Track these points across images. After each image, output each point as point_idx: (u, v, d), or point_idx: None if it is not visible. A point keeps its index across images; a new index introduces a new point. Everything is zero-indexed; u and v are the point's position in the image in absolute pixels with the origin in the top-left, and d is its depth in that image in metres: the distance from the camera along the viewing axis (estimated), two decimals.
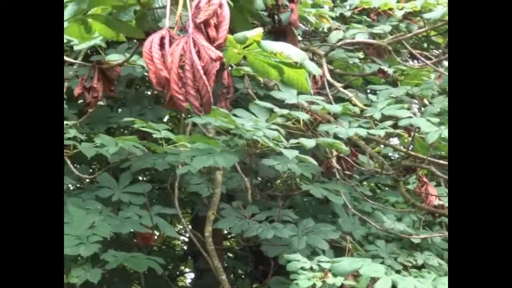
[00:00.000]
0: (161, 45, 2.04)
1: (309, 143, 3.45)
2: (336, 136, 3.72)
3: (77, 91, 3.08)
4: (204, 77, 1.97)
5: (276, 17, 3.14)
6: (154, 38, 2.04)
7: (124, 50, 4.70)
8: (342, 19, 4.71)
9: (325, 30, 4.50)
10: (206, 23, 2.04)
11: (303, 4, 3.23)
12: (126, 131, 5.97)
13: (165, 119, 6.06)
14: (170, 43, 2.04)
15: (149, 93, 6.13)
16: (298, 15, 3.08)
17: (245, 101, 5.33)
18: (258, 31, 2.13)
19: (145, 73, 5.43)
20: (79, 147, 3.64)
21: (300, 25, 3.74)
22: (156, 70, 2.00)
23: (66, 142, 3.72)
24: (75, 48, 3.13)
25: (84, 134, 4.17)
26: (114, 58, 3.32)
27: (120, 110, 5.50)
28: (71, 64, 4.21)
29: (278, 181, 6.21)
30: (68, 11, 2.43)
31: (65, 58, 3.44)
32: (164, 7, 2.59)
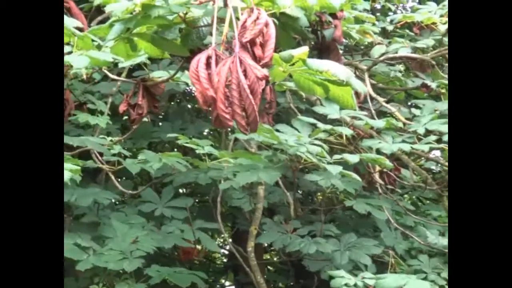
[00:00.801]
0: (208, 65, 2.05)
1: (353, 158, 3.43)
2: (378, 151, 3.69)
3: (122, 108, 3.11)
4: (250, 96, 1.97)
5: (319, 33, 3.14)
6: (201, 57, 2.05)
7: (166, 66, 4.74)
8: (384, 33, 4.70)
9: (366, 43, 4.48)
10: (252, 42, 2.05)
11: (347, 20, 3.23)
12: (167, 145, 6.02)
13: (205, 132, 6.08)
14: (217, 63, 2.05)
15: (189, 106, 6.17)
16: (341, 31, 3.08)
17: (286, 115, 5.33)
18: (304, 49, 2.13)
19: (187, 88, 5.49)
20: (124, 163, 3.68)
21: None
22: (202, 90, 2.02)
23: (110, 158, 3.76)
24: (120, 65, 3.16)
25: (126, 149, 4.21)
26: (158, 75, 3.34)
27: (161, 124, 5.54)
28: (114, 80, 4.26)
29: (319, 194, 6.19)
30: (114, 30, 2.46)
31: (109, 74, 3.49)
32: (209, 25, 2.61)
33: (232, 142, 4.52)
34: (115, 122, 4.73)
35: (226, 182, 3.89)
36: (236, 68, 1.98)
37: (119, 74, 4.33)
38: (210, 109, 2.06)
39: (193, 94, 6.41)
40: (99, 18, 4.37)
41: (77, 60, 2.50)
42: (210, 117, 2.11)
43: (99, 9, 4.78)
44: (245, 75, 1.98)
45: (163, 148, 6.00)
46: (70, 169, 2.55)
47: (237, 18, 2.08)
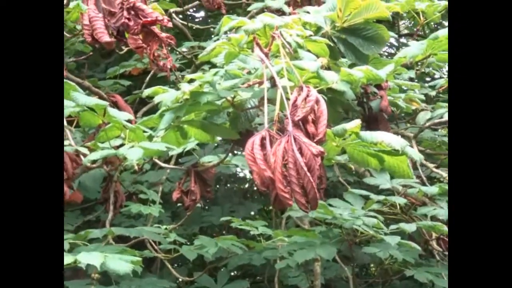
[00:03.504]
0: (262, 146, 2.06)
1: (410, 227, 3.39)
2: (433, 217, 3.64)
3: (175, 195, 3.14)
4: (308, 174, 1.97)
5: (366, 105, 3.16)
6: (255, 139, 2.06)
7: (213, 149, 4.79)
8: (426, 99, 4.69)
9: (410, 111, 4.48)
10: (304, 119, 2.06)
11: (392, 90, 3.24)
12: (216, 229, 6.01)
13: (251, 212, 6.08)
14: (271, 143, 2.06)
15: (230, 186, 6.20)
16: (388, 101, 3.09)
17: (333, 189, 5.31)
18: (357, 122, 2.14)
19: (234, 171, 5.51)
20: (181, 250, 3.68)
21: None
22: (259, 171, 2.02)
23: (167, 246, 3.76)
24: (170, 153, 3.20)
25: (179, 235, 4.22)
26: (208, 159, 3.38)
27: (210, 208, 5.56)
28: (162, 168, 4.30)
29: (372, 266, 6.10)
30: (165, 120, 2.49)
31: (158, 162, 3.52)
32: (256, 106, 2.64)
33: (284, 220, 4.50)
34: (166, 210, 4.76)
35: (282, 261, 3.86)
36: (291, 147, 1.98)
37: (166, 162, 4.38)
38: (268, 190, 2.06)
39: (239, 176, 6.45)
40: (144, 109, 4.45)
41: (131, 152, 2.54)
42: (267, 198, 2.10)
43: (142, 100, 4.89)
44: (301, 153, 1.98)
45: (213, 231, 6.00)
46: (131, 261, 2.55)
47: (287, 98, 2.10)
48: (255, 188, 6.35)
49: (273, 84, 2.28)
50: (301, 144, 1.99)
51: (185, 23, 4.85)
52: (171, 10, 4.35)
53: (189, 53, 4.55)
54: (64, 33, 3.05)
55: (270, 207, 6.01)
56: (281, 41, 2.24)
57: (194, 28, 5.32)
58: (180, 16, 4.81)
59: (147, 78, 4.79)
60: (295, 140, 1.99)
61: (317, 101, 2.08)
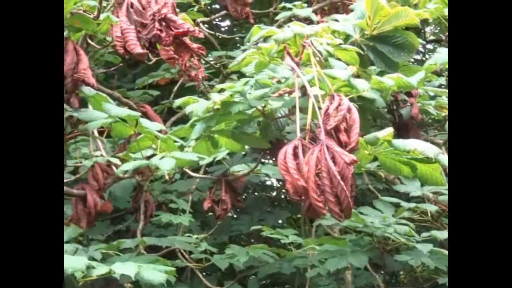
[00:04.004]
0: (295, 155, 2.06)
1: (442, 235, 3.37)
2: None
3: (206, 204, 3.16)
4: (342, 183, 1.97)
5: (396, 112, 3.15)
6: (288, 149, 2.06)
7: (241, 158, 4.79)
8: None
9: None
10: (336, 128, 2.06)
11: (422, 97, 3.23)
12: (244, 237, 6.01)
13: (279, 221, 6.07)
14: (303, 152, 2.06)
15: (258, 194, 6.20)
16: (418, 108, 3.08)
17: (362, 196, 5.29)
18: (389, 130, 2.14)
19: (262, 179, 5.51)
20: (212, 259, 3.69)
21: None
22: (293, 180, 2.02)
23: (198, 256, 3.77)
24: (201, 163, 3.21)
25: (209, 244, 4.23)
26: (238, 168, 3.38)
27: (240, 217, 5.55)
28: (191, 177, 4.32)
29: (402, 273, 6.05)
30: (196, 130, 2.51)
31: (189, 172, 3.54)
32: (287, 115, 2.64)
33: (314, 229, 4.49)
34: (195, 219, 4.77)
35: (313, 270, 3.85)
36: (324, 156, 1.98)
37: (194, 171, 4.39)
38: (301, 199, 2.06)
39: (266, 184, 6.45)
40: (173, 119, 4.47)
41: (164, 162, 2.56)
42: (301, 206, 2.10)
43: (171, 110, 4.92)
44: (334, 162, 1.98)
45: (241, 240, 6.00)
46: (165, 271, 2.56)
47: (319, 107, 2.10)
48: (282, 196, 6.36)
49: (304, 93, 2.28)
50: (334, 153, 1.99)
51: (212, 32, 4.87)
52: (199, 20, 4.37)
53: (216, 62, 4.56)
54: (94, 44, 3.08)
55: (299, 215, 6.00)
56: (312, 50, 2.24)
57: (220, 37, 5.34)
58: (206, 25, 4.83)
59: (175, 88, 4.82)
60: (328, 149, 1.99)
61: (349, 110, 2.08)
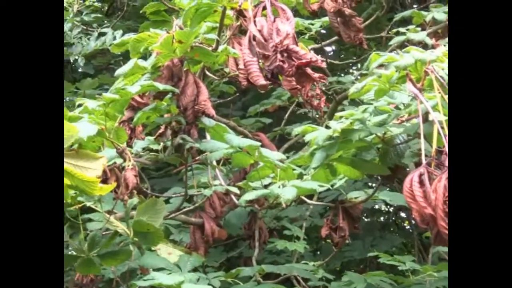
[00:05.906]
0: (421, 182, 2.04)
1: None
2: None
3: (324, 232, 3.16)
4: None
5: None
6: (414, 176, 2.04)
7: (352, 183, 4.76)
8: None
9: None
10: None
11: None
12: (356, 263, 5.95)
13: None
14: (429, 180, 2.03)
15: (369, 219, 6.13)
16: None
17: None
18: None
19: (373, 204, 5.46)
20: (330, 287, 3.67)
21: None
22: (419, 208, 2.00)
23: (316, 283, 3.76)
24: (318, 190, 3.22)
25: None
26: (355, 195, 3.37)
27: (352, 242, 5.51)
28: (302, 203, 4.32)
29: None
30: (317, 158, 2.52)
31: (306, 200, 3.53)
32: (406, 141, 2.62)
33: (430, 255, 4.41)
34: (308, 245, 4.77)
35: None
36: None
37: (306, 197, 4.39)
38: (428, 227, 2.03)
39: (375, 208, 6.38)
40: (285, 145, 4.50)
41: (286, 191, 2.58)
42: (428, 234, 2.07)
43: (282, 137, 4.96)
44: None
45: (353, 266, 5.94)
46: None
47: (444, 133, 2.07)
48: (392, 219, 6.28)
49: (425, 119, 2.26)
50: None
51: (323, 59, 4.89)
52: (309, 47, 4.40)
53: (329, 89, 4.57)
54: (211, 75, 3.15)
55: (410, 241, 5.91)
56: (435, 75, 2.22)
57: (328, 62, 5.35)
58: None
59: (286, 115, 4.86)
60: None
61: None
